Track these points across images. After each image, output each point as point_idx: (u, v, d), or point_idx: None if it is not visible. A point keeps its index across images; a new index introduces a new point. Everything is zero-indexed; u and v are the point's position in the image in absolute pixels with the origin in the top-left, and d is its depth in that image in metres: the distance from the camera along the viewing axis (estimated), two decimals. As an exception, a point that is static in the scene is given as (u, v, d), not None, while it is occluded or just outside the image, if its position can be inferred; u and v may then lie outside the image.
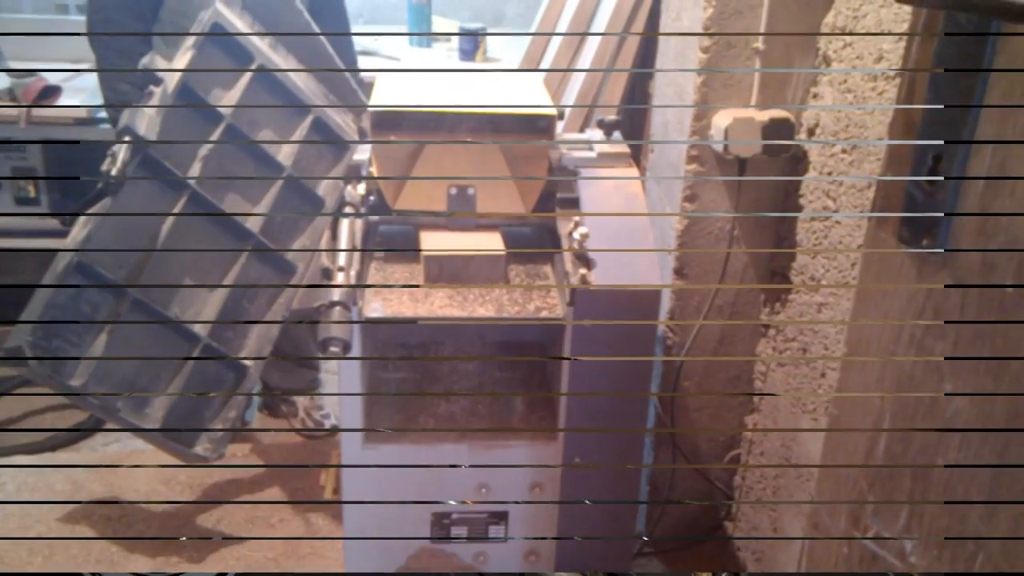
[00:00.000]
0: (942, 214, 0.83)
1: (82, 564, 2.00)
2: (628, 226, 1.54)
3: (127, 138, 1.54)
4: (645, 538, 2.07)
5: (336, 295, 1.38)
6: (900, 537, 0.91)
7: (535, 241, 1.71)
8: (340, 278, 1.42)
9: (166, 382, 1.66)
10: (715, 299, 1.86)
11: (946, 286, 0.84)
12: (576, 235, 1.47)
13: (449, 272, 1.49)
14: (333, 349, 1.35)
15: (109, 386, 1.60)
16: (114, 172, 1.52)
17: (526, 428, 1.59)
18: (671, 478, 2.01)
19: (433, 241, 1.55)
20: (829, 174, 1.61)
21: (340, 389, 1.50)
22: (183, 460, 1.72)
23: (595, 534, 1.60)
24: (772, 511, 1.85)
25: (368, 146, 1.69)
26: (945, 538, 0.85)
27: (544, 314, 1.48)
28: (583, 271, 1.45)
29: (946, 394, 0.84)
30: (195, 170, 1.67)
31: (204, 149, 1.68)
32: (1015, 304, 0.77)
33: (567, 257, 1.48)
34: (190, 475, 2.30)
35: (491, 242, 1.56)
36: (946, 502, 0.84)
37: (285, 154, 1.77)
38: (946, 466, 0.84)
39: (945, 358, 0.84)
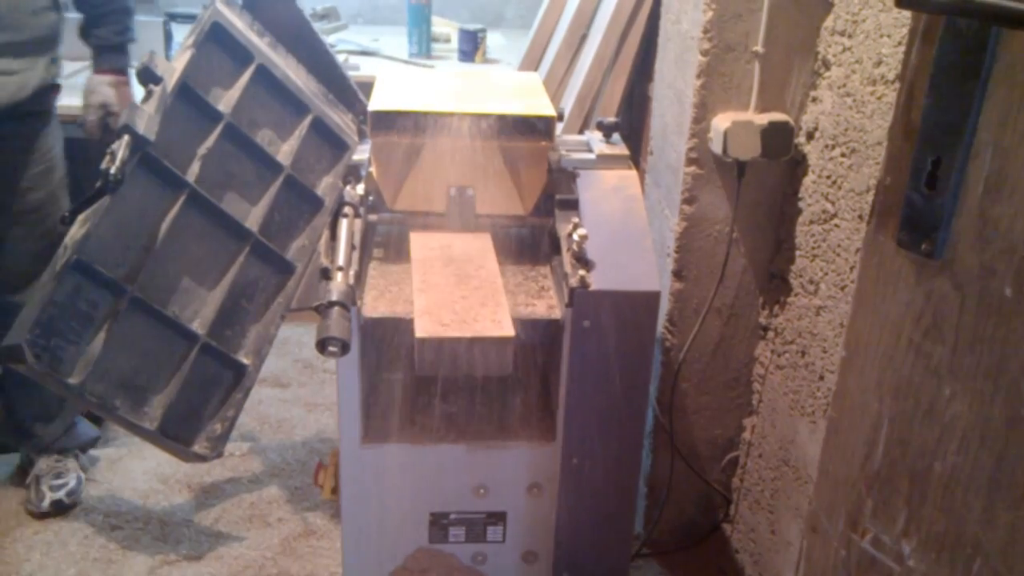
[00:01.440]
0: (942, 218, 0.83)
1: (80, 561, 2.00)
2: (627, 228, 1.54)
3: (126, 135, 1.54)
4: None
5: (335, 295, 1.39)
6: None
7: (534, 241, 1.71)
8: (339, 278, 1.43)
9: (165, 380, 1.66)
10: (714, 301, 1.86)
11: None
12: (575, 236, 1.47)
13: (447, 358, 1.31)
14: (331, 349, 1.35)
15: (108, 384, 1.60)
16: (113, 170, 1.52)
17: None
18: (669, 480, 2.01)
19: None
20: (828, 178, 1.61)
21: (338, 390, 1.50)
22: (181, 459, 1.72)
23: (593, 536, 1.60)
24: (770, 513, 1.85)
25: (368, 147, 1.69)
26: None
27: (542, 315, 1.48)
28: (582, 272, 1.45)
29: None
30: (194, 169, 1.67)
31: (204, 148, 1.68)
32: (1014, 308, 0.78)
33: (566, 258, 1.48)
34: (188, 473, 2.30)
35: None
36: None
37: (284, 153, 1.77)
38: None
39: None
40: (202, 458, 1.72)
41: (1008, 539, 0.79)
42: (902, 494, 0.91)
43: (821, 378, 1.64)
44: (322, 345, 1.35)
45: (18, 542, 2.05)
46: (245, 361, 1.74)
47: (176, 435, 1.68)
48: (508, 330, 1.33)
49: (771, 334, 1.86)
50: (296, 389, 2.78)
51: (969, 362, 0.82)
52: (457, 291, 1.41)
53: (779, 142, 1.69)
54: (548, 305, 1.51)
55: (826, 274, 1.62)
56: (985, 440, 0.81)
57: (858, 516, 0.97)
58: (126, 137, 1.55)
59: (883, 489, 0.94)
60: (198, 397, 1.71)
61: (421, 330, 1.32)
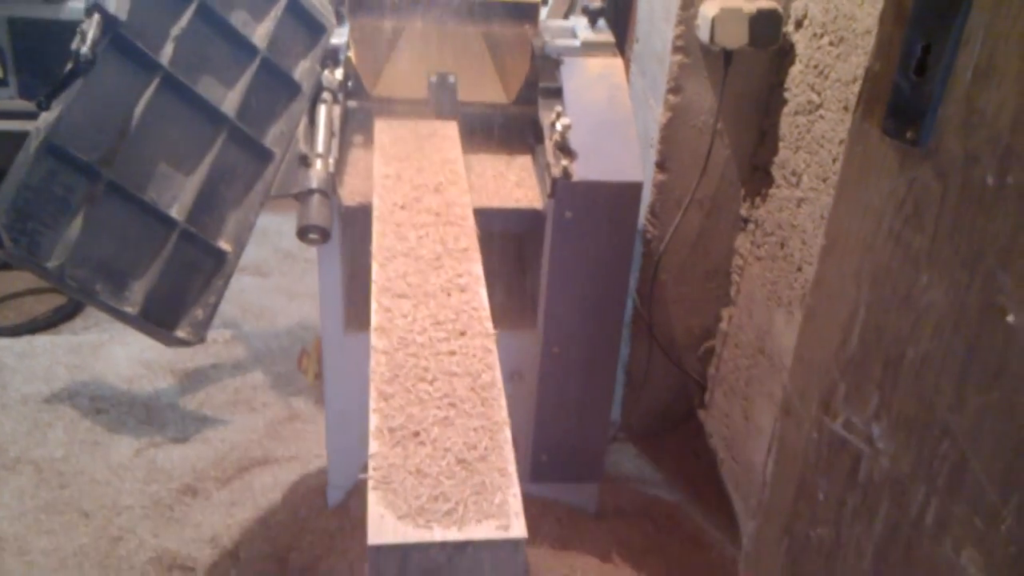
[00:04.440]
0: (928, 105, 0.83)
1: (67, 444, 2.03)
2: (611, 118, 1.52)
3: (96, 14, 1.49)
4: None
5: (314, 182, 1.37)
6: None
7: (516, 129, 1.69)
8: (319, 165, 1.41)
9: (145, 266, 1.65)
10: (696, 193, 1.86)
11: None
12: (559, 126, 1.45)
13: (421, 571, 0.84)
14: (312, 236, 1.34)
15: (88, 269, 1.59)
16: (84, 50, 1.47)
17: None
18: (647, 368, 2.05)
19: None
20: (815, 67, 1.59)
21: (320, 278, 1.50)
22: (164, 343, 1.73)
23: (572, 421, 1.64)
24: (744, 400, 1.90)
25: (346, 29, 1.64)
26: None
27: (524, 204, 1.48)
28: (565, 162, 1.44)
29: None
30: (168, 51, 1.63)
31: (177, 28, 1.63)
32: (995, 196, 0.78)
33: (549, 148, 1.47)
34: (172, 359, 2.31)
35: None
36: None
37: (260, 36, 1.72)
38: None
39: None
40: (185, 343, 1.73)
41: (975, 422, 0.81)
42: (874, 379, 0.93)
43: (799, 269, 1.65)
44: (303, 233, 1.34)
45: (2, 425, 2.07)
46: (225, 247, 1.73)
47: (158, 320, 1.68)
48: (516, 527, 0.86)
49: (751, 226, 1.86)
50: (277, 278, 2.78)
51: (947, 250, 0.83)
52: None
53: (767, 30, 1.66)
54: (530, 195, 1.50)
55: (809, 166, 1.61)
56: (959, 327, 0.82)
57: (831, 400, 1.00)
58: (96, 16, 1.50)
59: (856, 374, 0.96)
60: (179, 283, 1.70)
61: (378, 533, 0.82)
